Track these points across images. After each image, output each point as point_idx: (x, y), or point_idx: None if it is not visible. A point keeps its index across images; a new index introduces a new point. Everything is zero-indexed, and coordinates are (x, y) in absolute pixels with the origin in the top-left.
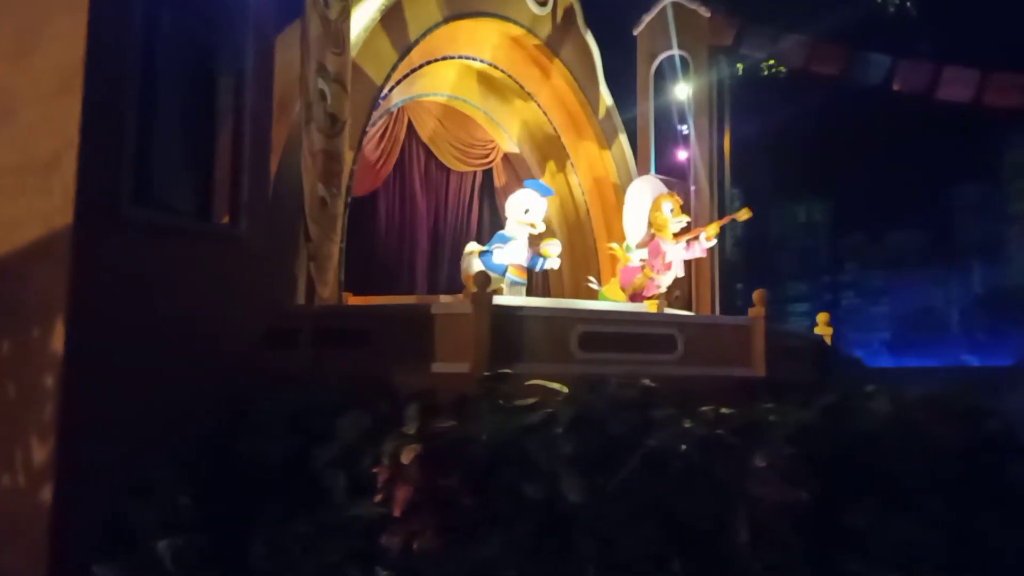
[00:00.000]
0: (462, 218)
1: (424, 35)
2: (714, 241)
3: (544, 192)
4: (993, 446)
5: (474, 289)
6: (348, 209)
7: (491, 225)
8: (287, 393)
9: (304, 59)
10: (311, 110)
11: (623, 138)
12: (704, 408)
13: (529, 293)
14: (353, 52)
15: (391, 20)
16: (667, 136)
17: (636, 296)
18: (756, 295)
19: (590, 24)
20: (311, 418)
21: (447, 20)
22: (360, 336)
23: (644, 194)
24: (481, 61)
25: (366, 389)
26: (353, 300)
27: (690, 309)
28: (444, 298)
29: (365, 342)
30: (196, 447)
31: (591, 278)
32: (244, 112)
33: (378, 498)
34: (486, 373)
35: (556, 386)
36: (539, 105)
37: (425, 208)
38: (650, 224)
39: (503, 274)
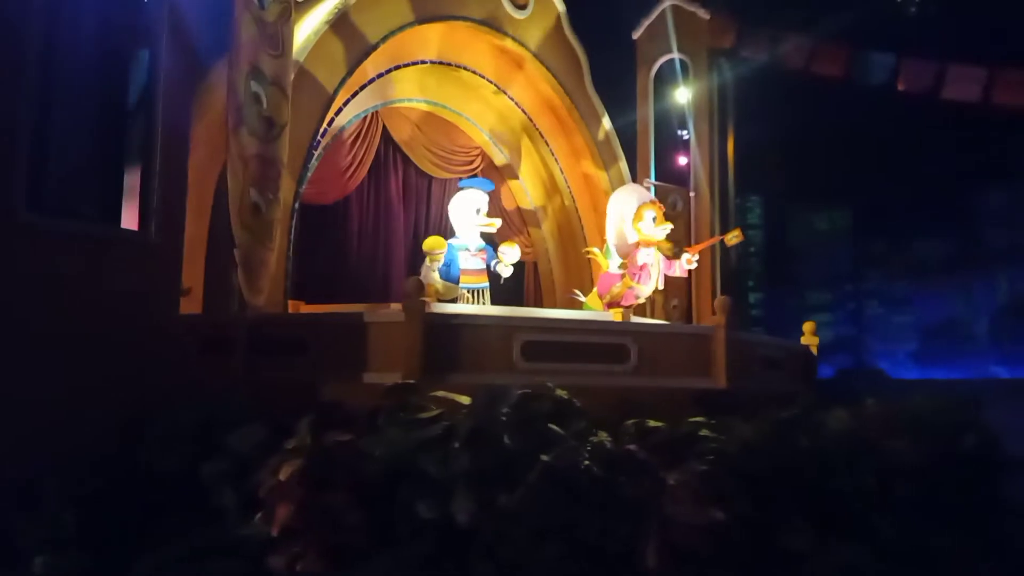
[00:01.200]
0: (446, 226)
1: (386, 38)
2: (694, 264)
3: (486, 187)
4: (961, 463)
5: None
6: (295, 215)
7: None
8: (197, 404)
9: (233, 61)
10: (241, 113)
11: (622, 164)
12: (629, 422)
13: (524, 304)
14: (301, 56)
15: (345, 24)
16: (668, 142)
17: (614, 304)
18: (718, 303)
19: (588, 29)
20: (215, 431)
21: (414, 23)
22: (294, 345)
23: (627, 202)
24: (457, 66)
25: (295, 400)
26: (306, 308)
27: (687, 321)
28: (395, 306)
29: (299, 351)
30: (93, 460)
31: (576, 291)
32: (156, 111)
33: (259, 516)
34: (395, 384)
35: (460, 398)
36: (524, 111)
37: (403, 215)
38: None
39: (457, 282)
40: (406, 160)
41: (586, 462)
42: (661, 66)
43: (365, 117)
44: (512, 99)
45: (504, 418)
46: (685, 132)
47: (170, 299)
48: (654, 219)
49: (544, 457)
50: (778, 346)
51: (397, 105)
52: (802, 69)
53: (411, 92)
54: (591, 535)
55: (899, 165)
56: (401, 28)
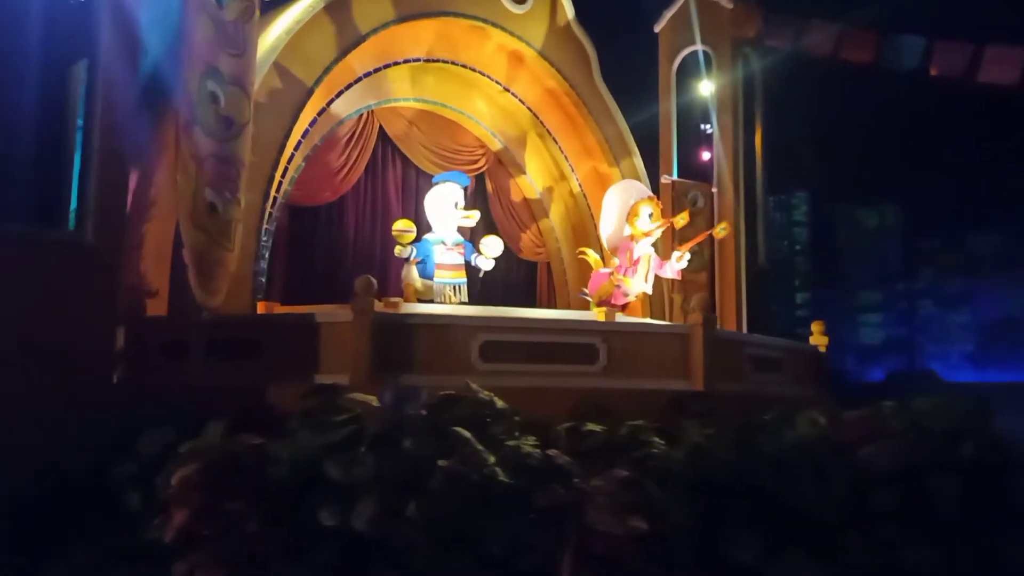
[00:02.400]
0: None
1: (369, 35)
2: (684, 262)
3: (461, 181)
4: (957, 470)
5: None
6: (271, 216)
7: (486, 232)
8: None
9: (184, 61)
10: (193, 112)
11: (636, 160)
12: (561, 426)
13: (537, 304)
14: (274, 54)
15: (323, 21)
16: (691, 136)
17: (604, 304)
18: (695, 300)
19: (609, 23)
20: (142, 435)
21: (397, 21)
22: (249, 347)
23: (622, 199)
24: (454, 63)
25: (247, 403)
26: (281, 310)
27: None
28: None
29: (254, 354)
30: (18, 466)
31: (585, 291)
32: (95, 109)
33: (156, 521)
34: (316, 385)
35: (371, 399)
36: (529, 108)
37: (402, 215)
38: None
39: (431, 278)
40: (405, 160)
41: (496, 468)
42: (684, 59)
43: (360, 117)
44: (516, 96)
45: (410, 421)
46: (709, 126)
47: (108, 301)
48: (650, 215)
49: (442, 463)
50: (777, 347)
51: (393, 104)
52: (829, 56)
53: (407, 91)
54: (500, 546)
55: (949, 156)
56: (385, 25)
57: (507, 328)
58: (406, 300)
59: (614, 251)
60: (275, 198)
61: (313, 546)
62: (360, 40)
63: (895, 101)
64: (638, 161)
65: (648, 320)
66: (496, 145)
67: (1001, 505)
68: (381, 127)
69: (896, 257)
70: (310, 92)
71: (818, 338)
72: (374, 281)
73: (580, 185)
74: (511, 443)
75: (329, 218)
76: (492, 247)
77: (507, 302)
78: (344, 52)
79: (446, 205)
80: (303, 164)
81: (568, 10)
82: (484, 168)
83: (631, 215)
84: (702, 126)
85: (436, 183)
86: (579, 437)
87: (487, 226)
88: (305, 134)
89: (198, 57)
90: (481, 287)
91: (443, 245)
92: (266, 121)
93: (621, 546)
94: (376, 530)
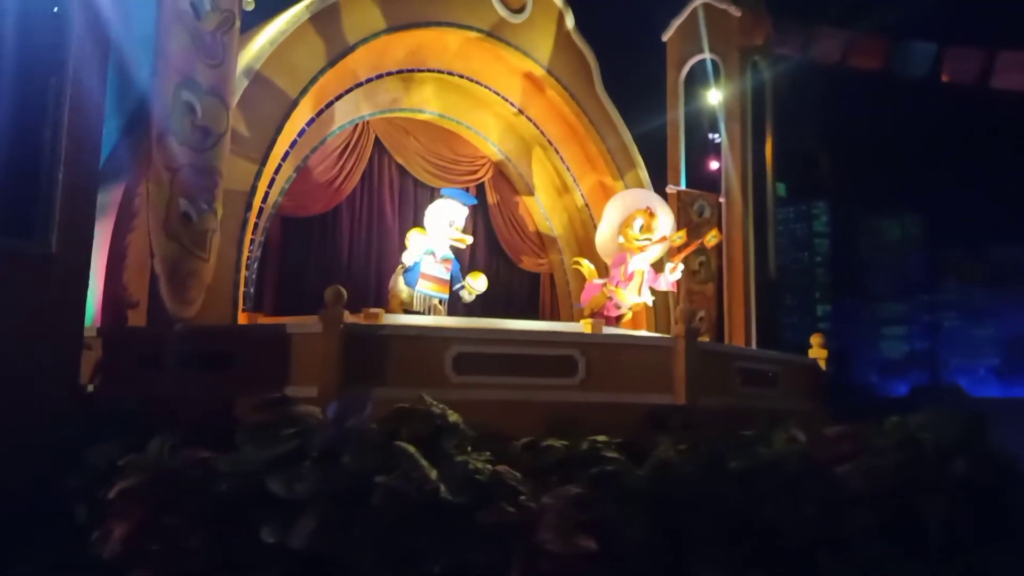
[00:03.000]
0: None
1: (357, 45)
2: (678, 274)
3: (466, 201)
4: (945, 487)
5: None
6: (256, 225)
7: (487, 244)
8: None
9: (159, 72)
10: (167, 123)
11: (641, 172)
12: (520, 441)
13: (540, 317)
14: (257, 63)
15: (308, 32)
16: (700, 146)
17: (597, 315)
18: (678, 312)
19: (616, 32)
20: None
21: (387, 31)
22: (221, 359)
23: (621, 207)
24: (450, 73)
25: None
26: (265, 321)
27: (717, 335)
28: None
29: (226, 365)
30: None
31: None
32: (62, 120)
33: (95, 535)
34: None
35: (316, 411)
36: (530, 119)
37: (398, 226)
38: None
39: (414, 286)
40: (402, 170)
41: (439, 484)
42: (692, 68)
43: (355, 128)
44: (515, 106)
45: (353, 435)
46: (717, 135)
47: (73, 312)
48: (641, 227)
49: (381, 479)
50: (772, 360)
51: (389, 115)
52: (839, 63)
53: (404, 101)
54: (443, 565)
55: (973, 164)
56: (375, 35)
57: (482, 340)
58: (391, 311)
59: (608, 260)
60: (262, 208)
61: (255, 564)
62: (348, 50)
63: (917, 109)
64: (643, 173)
65: (630, 331)
66: (497, 156)
67: (992, 524)
68: (377, 138)
69: (919, 268)
70: (295, 103)
71: (817, 351)
72: (343, 292)
73: (584, 197)
74: (461, 458)
75: (324, 229)
76: (477, 284)
77: (509, 314)
78: (331, 62)
79: (443, 221)
80: (294, 175)
81: (568, 19)
82: (485, 179)
83: (624, 225)
84: (710, 135)
85: (443, 196)
86: (537, 453)
87: (488, 236)
88: (293, 144)
89: (173, 68)
90: (483, 299)
91: (432, 256)
92: (248, 131)
93: (570, 566)
94: (316, 548)
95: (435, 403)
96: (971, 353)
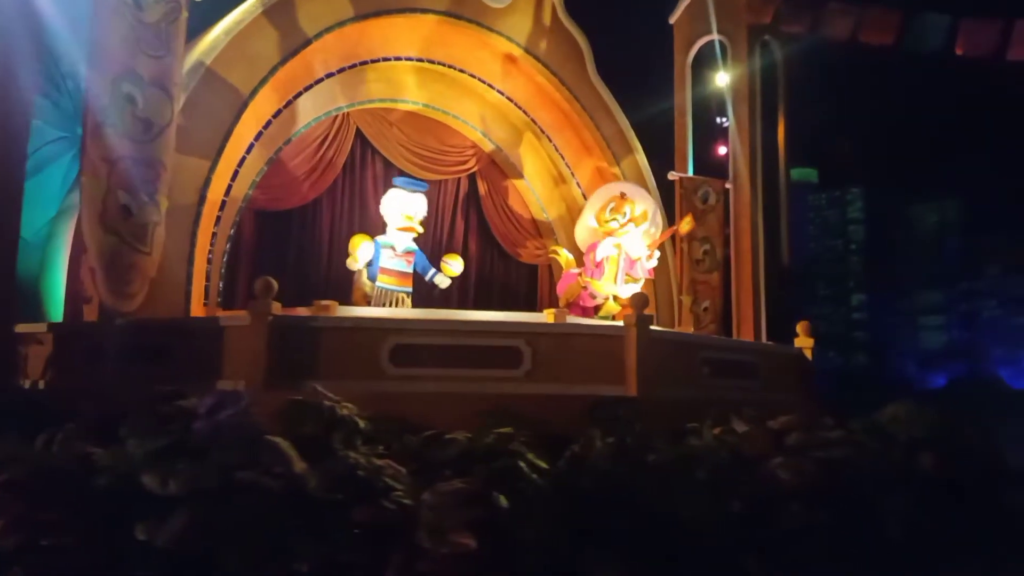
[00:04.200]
0: (441, 228)
1: (318, 36)
2: (655, 261)
3: (420, 188)
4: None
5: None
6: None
7: (480, 235)
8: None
9: (96, 63)
10: (104, 115)
11: (639, 157)
12: (428, 433)
13: (537, 309)
14: (209, 57)
15: (263, 24)
16: (709, 130)
17: (572, 307)
18: (632, 299)
19: (629, 15)
20: None
21: (355, 19)
22: (160, 352)
23: (597, 198)
24: (431, 62)
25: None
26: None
27: (723, 326)
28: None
29: (165, 358)
30: None
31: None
32: None
33: None
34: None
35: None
36: (519, 106)
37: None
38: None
39: (374, 280)
40: (387, 162)
41: (308, 479)
42: (700, 51)
43: (334, 119)
44: (503, 94)
45: (224, 429)
46: (725, 119)
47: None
48: (611, 209)
49: (245, 474)
50: (747, 350)
51: (369, 106)
52: (850, 40)
53: (385, 92)
54: (313, 564)
55: (1013, 146)
56: (340, 24)
57: (421, 331)
58: (354, 304)
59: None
60: (224, 201)
61: (132, 562)
62: (307, 42)
63: (952, 89)
64: (641, 158)
65: (588, 321)
66: (488, 146)
67: (954, 525)
68: (359, 129)
69: (957, 255)
70: (251, 94)
71: (804, 340)
72: (273, 283)
73: (579, 185)
74: (346, 453)
75: (303, 222)
76: (454, 266)
77: (505, 306)
78: (292, 53)
79: (394, 210)
80: (265, 168)
81: (556, 2)
82: (475, 169)
83: (600, 211)
84: (718, 119)
85: (396, 186)
86: (439, 447)
87: (481, 228)
88: (259, 136)
89: (111, 59)
90: (478, 291)
91: (392, 250)
92: (199, 123)
93: (450, 566)
94: (183, 547)
95: (331, 396)
96: (1014, 343)
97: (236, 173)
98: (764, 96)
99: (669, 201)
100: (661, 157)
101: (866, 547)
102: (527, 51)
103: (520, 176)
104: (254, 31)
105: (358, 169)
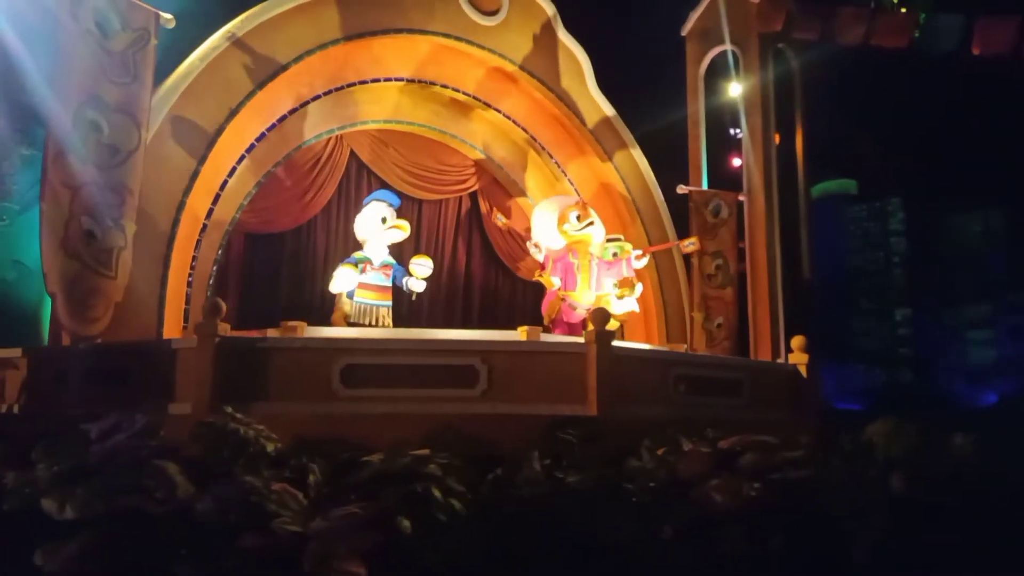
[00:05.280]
0: (443, 247)
1: (296, 61)
2: (644, 261)
3: (392, 200)
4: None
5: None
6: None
7: (484, 255)
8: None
9: (57, 91)
10: (67, 142)
11: (634, 151)
12: (344, 456)
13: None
14: (183, 84)
15: (234, 51)
16: (723, 143)
17: (557, 323)
18: (592, 315)
19: (640, 30)
20: None
21: (339, 40)
22: (118, 374)
23: (548, 211)
24: (422, 82)
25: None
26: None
27: (738, 343)
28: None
29: (122, 381)
30: None
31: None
32: None
33: None
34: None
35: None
36: (517, 123)
37: None
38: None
39: (352, 297)
40: (383, 183)
41: (193, 505)
42: (712, 62)
43: (327, 142)
44: (500, 111)
45: (117, 453)
46: (739, 131)
47: None
48: (578, 217)
49: (124, 499)
50: (731, 366)
51: (362, 127)
52: (862, 44)
53: (379, 113)
54: None
55: None
56: (320, 48)
57: (372, 350)
58: (334, 323)
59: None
60: (206, 225)
61: None
62: (280, 69)
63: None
64: (647, 172)
65: (563, 338)
66: (487, 163)
67: (927, 549)
68: (353, 150)
69: (1004, 265)
70: (229, 117)
71: (798, 356)
72: (221, 304)
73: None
74: (243, 477)
75: (296, 243)
76: (421, 268)
77: (510, 324)
78: (267, 79)
79: (374, 222)
80: (254, 190)
81: (553, 17)
82: (476, 187)
83: (560, 222)
84: (732, 130)
85: (366, 204)
86: (352, 469)
87: (484, 247)
88: (241, 159)
89: (75, 86)
90: (482, 310)
91: (368, 264)
92: (171, 148)
93: None
94: (73, 573)
95: (240, 417)
96: None
97: (218, 196)
98: (782, 105)
99: (680, 215)
100: (675, 170)
101: (827, 573)
102: (522, 68)
103: (523, 193)
104: (228, 57)
105: (353, 190)
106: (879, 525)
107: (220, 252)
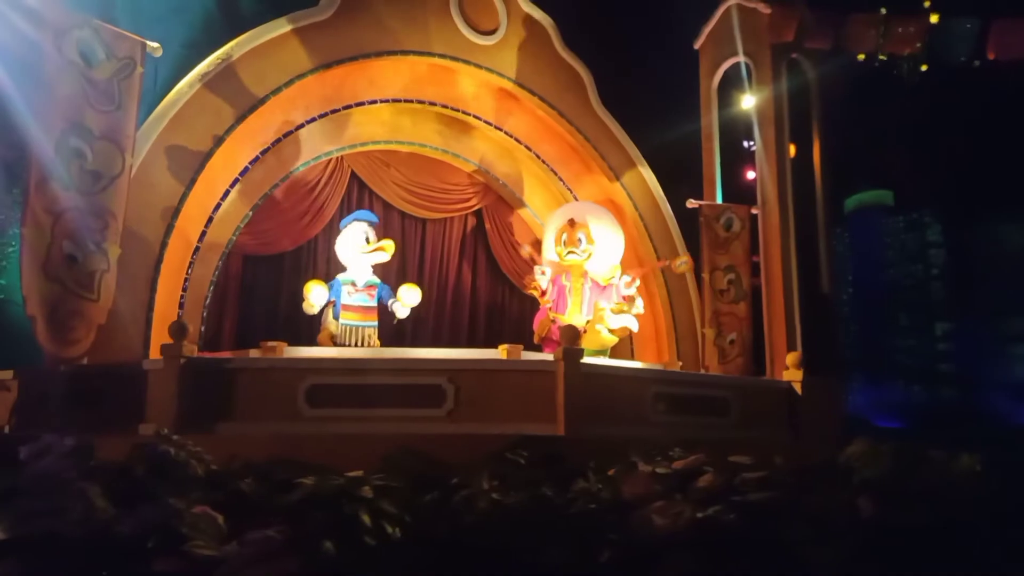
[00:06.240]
0: (447, 267)
1: (287, 85)
2: (633, 287)
3: (371, 219)
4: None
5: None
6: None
7: (490, 274)
8: None
9: (40, 120)
10: (49, 169)
11: (641, 167)
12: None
13: None
14: (172, 110)
15: (226, 75)
16: (738, 155)
17: (547, 341)
18: (561, 330)
19: (651, 44)
20: None
21: (334, 64)
22: (95, 397)
23: (549, 227)
24: (420, 102)
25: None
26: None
27: (753, 359)
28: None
29: (98, 403)
30: None
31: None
32: None
33: None
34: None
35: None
36: (519, 141)
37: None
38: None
39: (337, 319)
40: (387, 204)
41: (109, 528)
42: (725, 74)
43: (327, 163)
44: (501, 129)
45: (42, 477)
46: (752, 143)
47: None
48: (565, 241)
49: (41, 522)
50: (713, 384)
51: (361, 148)
52: (874, 51)
53: (378, 134)
54: None
55: None
56: (307, 74)
57: (337, 370)
58: (320, 344)
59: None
60: (198, 247)
61: None
62: (261, 101)
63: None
64: (654, 186)
65: (544, 356)
66: (491, 181)
67: None
68: (353, 171)
69: None
70: (218, 142)
71: (793, 373)
72: (186, 325)
73: None
74: (165, 500)
75: (296, 265)
76: (409, 296)
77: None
78: (255, 104)
79: (356, 242)
80: (250, 213)
81: (553, 33)
82: (480, 206)
83: (556, 243)
84: (745, 143)
85: (343, 227)
86: (285, 490)
87: (490, 266)
88: (234, 183)
89: (58, 115)
90: (488, 328)
91: (352, 286)
92: (158, 173)
93: None
94: None
95: (176, 439)
96: None
97: (211, 219)
98: (801, 116)
99: (691, 230)
100: (688, 184)
101: None
102: (522, 86)
103: (526, 208)
104: (218, 82)
105: (354, 210)
106: (844, 551)
107: (216, 273)
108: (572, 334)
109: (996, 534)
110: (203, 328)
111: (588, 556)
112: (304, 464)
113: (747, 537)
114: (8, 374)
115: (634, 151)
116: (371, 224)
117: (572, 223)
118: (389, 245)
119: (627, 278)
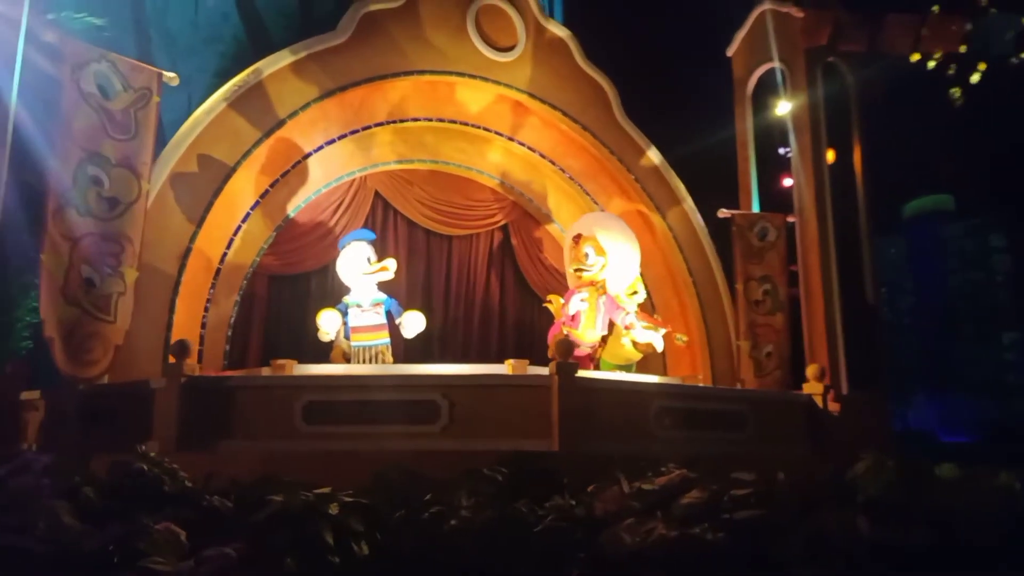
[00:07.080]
0: (475, 284)
1: (304, 108)
2: (634, 306)
3: (368, 237)
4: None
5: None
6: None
7: (517, 289)
8: None
9: (59, 149)
10: (68, 196)
11: (667, 175)
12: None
13: None
14: (192, 134)
15: (248, 100)
16: (774, 163)
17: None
18: (555, 345)
19: (684, 53)
20: None
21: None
22: (108, 415)
23: (566, 241)
24: (440, 120)
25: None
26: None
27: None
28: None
29: (111, 421)
30: None
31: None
32: None
33: None
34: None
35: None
36: (543, 155)
37: (406, 279)
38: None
39: (349, 339)
40: (411, 222)
41: (80, 544)
42: (760, 81)
43: (351, 183)
44: (524, 145)
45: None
46: (788, 150)
47: None
48: (572, 258)
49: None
50: (727, 398)
51: (383, 168)
52: (910, 52)
53: (401, 153)
54: None
55: None
56: (330, 93)
57: (332, 387)
58: (332, 362)
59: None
60: (219, 268)
61: None
62: (279, 124)
63: None
64: (683, 195)
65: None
66: (517, 197)
67: None
68: (377, 191)
69: None
70: (237, 165)
71: (813, 385)
72: (189, 344)
73: None
74: (134, 517)
75: (323, 284)
76: (412, 325)
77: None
78: (278, 124)
79: (358, 263)
80: (273, 235)
81: (574, 47)
82: (506, 221)
83: (567, 259)
84: (781, 150)
85: (341, 248)
86: (256, 508)
87: (518, 281)
88: (255, 206)
89: (76, 145)
90: (518, 344)
91: (358, 308)
92: (175, 198)
93: None
94: None
95: (152, 456)
96: None
97: (231, 241)
98: (839, 122)
99: (724, 240)
100: (721, 193)
101: None
102: (543, 100)
103: (553, 224)
104: (237, 107)
105: (379, 230)
106: (835, 570)
107: (240, 294)
108: (565, 348)
109: (1000, 555)
110: (227, 348)
111: (556, 573)
112: (284, 482)
113: (731, 554)
114: (35, 394)
115: (662, 162)
116: (370, 243)
117: (577, 239)
118: (391, 264)
119: (631, 319)
